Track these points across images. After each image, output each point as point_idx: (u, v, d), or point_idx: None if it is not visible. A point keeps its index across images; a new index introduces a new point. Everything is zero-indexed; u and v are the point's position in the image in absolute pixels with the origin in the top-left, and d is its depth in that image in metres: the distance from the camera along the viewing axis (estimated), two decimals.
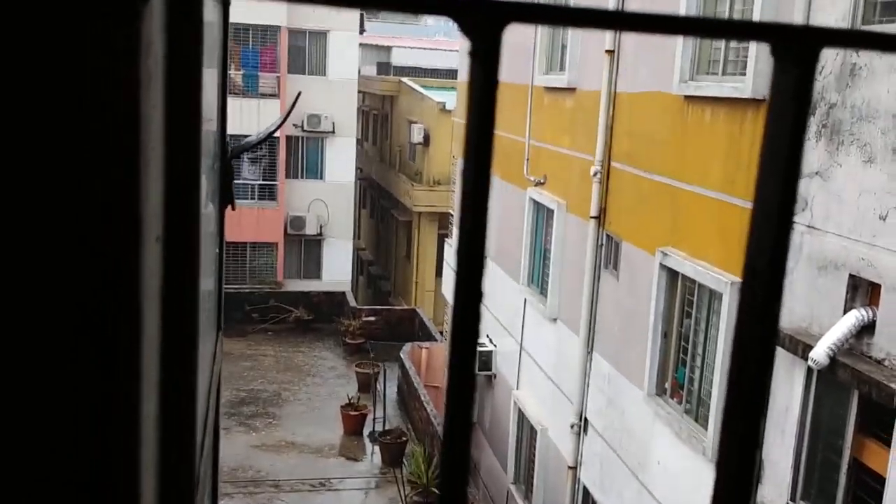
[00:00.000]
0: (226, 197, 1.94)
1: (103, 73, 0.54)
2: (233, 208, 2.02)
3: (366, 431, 17.85)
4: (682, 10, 8.55)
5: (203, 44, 0.98)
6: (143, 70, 0.57)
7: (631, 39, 9.95)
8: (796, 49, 0.44)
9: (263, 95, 25.44)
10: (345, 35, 26.56)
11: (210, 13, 1.55)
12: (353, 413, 17.86)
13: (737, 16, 8.01)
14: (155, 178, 0.73)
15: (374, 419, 17.56)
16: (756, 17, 7.37)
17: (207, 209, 1.64)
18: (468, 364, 0.44)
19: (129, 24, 0.54)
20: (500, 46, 0.40)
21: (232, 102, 27.38)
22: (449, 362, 0.43)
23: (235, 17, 24.85)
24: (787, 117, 0.44)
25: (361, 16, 27.42)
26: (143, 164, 0.59)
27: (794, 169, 0.45)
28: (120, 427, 0.61)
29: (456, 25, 0.38)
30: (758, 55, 7.32)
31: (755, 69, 7.35)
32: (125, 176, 0.57)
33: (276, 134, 25.17)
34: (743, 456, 0.46)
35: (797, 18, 6.83)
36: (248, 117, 24.79)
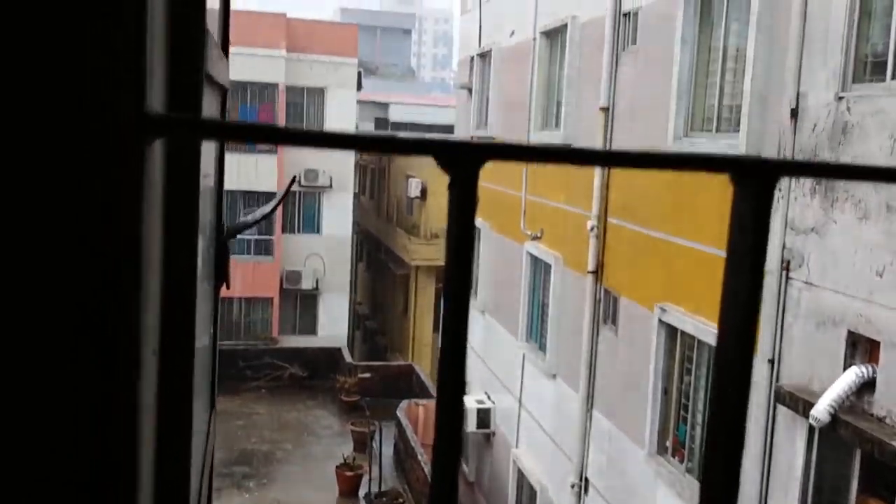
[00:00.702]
0: (220, 277, 1.93)
1: (108, 206, 0.57)
2: (227, 287, 2.00)
3: (361, 493, 17.55)
4: (675, 80, 8.66)
5: (200, 174, 1.04)
6: (144, 200, 0.60)
7: (625, 96, 10.08)
8: (753, 180, 0.47)
9: (261, 151, 25.64)
10: (342, 92, 26.92)
11: (209, 105, 1.57)
12: (348, 473, 17.59)
13: (729, 76, 8.12)
14: (153, 299, 0.75)
15: (370, 480, 17.28)
16: (748, 78, 7.46)
17: (202, 289, 1.63)
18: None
19: (132, 162, 0.57)
20: (476, 182, 0.42)
21: (230, 158, 27.65)
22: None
23: (234, 73, 25.18)
24: (747, 242, 0.47)
25: (359, 73, 27.83)
26: (143, 289, 0.62)
27: (755, 295, 0.47)
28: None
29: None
30: (751, 112, 7.40)
31: (749, 126, 7.42)
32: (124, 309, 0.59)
33: (273, 188, 25.31)
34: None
35: (788, 79, 6.91)
36: (246, 173, 24.95)
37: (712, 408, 0.49)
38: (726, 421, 0.48)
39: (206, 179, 1.67)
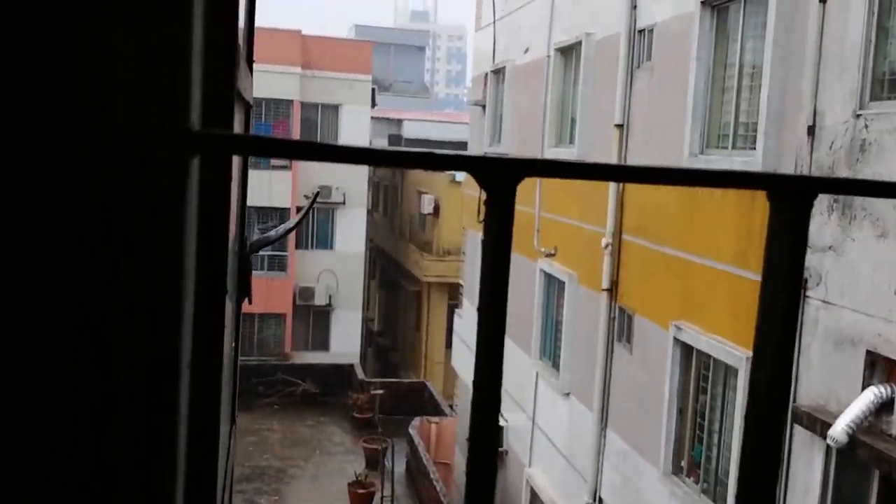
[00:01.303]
0: (243, 291, 1.92)
1: (155, 220, 0.59)
2: (249, 302, 2.00)
3: None
4: (690, 97, 8.64)
5: (231, 190, 1.06)
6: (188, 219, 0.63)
7: (640, 113, 10.06)
8: (791, 197, 0.46)
9: (275, 167, 25.77)
10: (356, 108, 27.05)
11: (237, 121, 1.57)
12: (360, 491, 17.50)
13: (745, 93, 8.09)
14: (189, 312, 0.77)
15: (383, 497, 17.19)
16: (764, 95, 7.43)
17: (228, 305, 1.63)
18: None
19: (181, 180, 0.60)
20: (513, 199, 0.42)
21: None
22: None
23: None
24: (783, 259, 0.46)
25: (373, 89, 27.98)
26: (187, 302, 0.65)
27: (792, 312, 0.46)
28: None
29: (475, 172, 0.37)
30: (767, 130, 7.36)
31: (765, 144, 7.38)
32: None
33: (287, 204, 25.40)
34: None
35: (805, 96, 6.88)
36: (260, 189, 25.06)
37: (747, 430, 0.49)
38: (763, 443, 0.47)
39: (232, 195, 1.67)
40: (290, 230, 2.94)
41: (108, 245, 0.59)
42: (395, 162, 0.41)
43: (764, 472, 0.48)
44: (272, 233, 3.04)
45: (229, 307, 1.71)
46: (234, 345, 2.00)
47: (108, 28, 0.57)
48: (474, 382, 0.41)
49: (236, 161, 1.79)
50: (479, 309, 0.41)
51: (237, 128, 1.58)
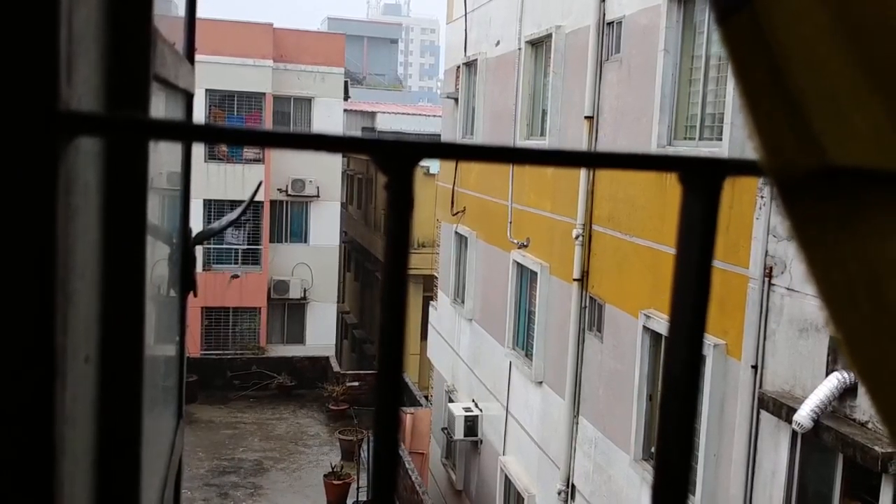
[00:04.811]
0: (187, 283, 1.93)
1: (15, 206, 0.54)
2: (195, 295, 2.02)
3: (350, 501, 17.49)
4: (658, 89, 8.74)
5: (147, 176, 1.00)
6: (61, 206, 0.56)
7: (610, 104, 10.15)
8: (702, 179, 0.47)
9: (248, 161, 25.60)
10: (329, 101, 26.92)
11: (171, 110, 1.57)
12: (336, 482, 17.53)
13: (711, 84, 8.20)
14: (84, 301, 0.73)
15: (359, 488, 17.24)
16: (730, 87, 7.55)
17: (168, 297, 1.64)
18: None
19: (47, 165, 0.54)
20: (412, 180, 0.43)
21: (217, 168, 27.32)
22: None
23: (221, 84, 25.23)
24: (696, 240, 0.47)
25: (346, 82, 27.85)
26: (61, 294, 0.58)
27: (704, 290, 0.47)
28: None
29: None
30: (733, 121, 7.47)
31: (731, 134, 7.49)
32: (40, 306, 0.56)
33: (261, 198, 25.28)
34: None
35: None
36: (233, 182, 24.91)
37: (663, 401, 0.50)
38: (678, 415, 0.48)
39: (170, 185, 1.68)
40: (233, 222, 2.94)
41: (16, 246, 0.54)
42: (291, 144, 0.41)
43: (679, 451, 0.48)
44: (215, 224, 3.05)
45: (171, 299, 1.70)
46: (179, 338, 1.99)
47: None
48: (377, 373, 0.43)
49: (177, 151, 1.79)
50: (382, 287, 0.42)
51: (171, 116, 1.54)
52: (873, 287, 0.38)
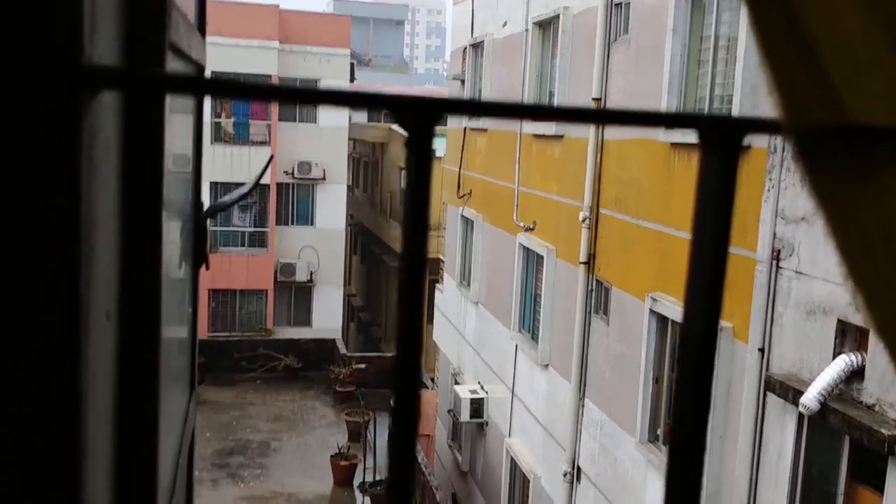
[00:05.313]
0: (199, 257, 1.93)
1: (42, 157, 0.54)
2: (206, 268, 2.01)
3: (356, 482, 17.60)
4: (666, 70, 8.68)
5: (164, 129, 1.01)
6: (85, 159, 0.57)
7: (617, 86, 10.09)
8: (721, 137, 0.47)
9: (254, 143, 25.60)
10: (335, 84, 26.84)
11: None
12: (343, 463, 17.63)
13: (720, 65, 8.14)
14: (105, 257, 0.73)
15: (365, 469, 17.33)
16: (739, 67, 7.49)
17: (181, 270, 1.64)
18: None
19: (72, 117, 0.54)
20: (432, 136, 0.43)
21: (223, 150, 27.34)
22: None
23: (227, 66, 25.16)
24: (715, 201, 0.47)
25: (352, 64, 27.76)
26: (86, 247, 0.59)
27: (723, 249, 0.47)
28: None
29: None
30: (742, 102, 7.42)
31: (740, 115, 7.42)
32: (65, 257, 0.57)
33: (267, 180, 25.28)
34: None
35: None
36: (240, 164, 24.91)
37: (679, 381, 0.49)
38: (693, 394, 0.48)
39: (183, 158, 1.68)
40: (243, 195, 2.96)
41: (44, 197, 0.54)
42: (307, 99, 0.41)
43: (695, 424, 0.48)
44: (226, 198, 3.05)
45: (184, 272, 1.71)
46: (191, 311, 2.01)
47: None
48: (397, 341, 0.43)
49: (188, 127, 1.79)
50: (401, 252, 0.44)
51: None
52: (889, 242, 0.38)
